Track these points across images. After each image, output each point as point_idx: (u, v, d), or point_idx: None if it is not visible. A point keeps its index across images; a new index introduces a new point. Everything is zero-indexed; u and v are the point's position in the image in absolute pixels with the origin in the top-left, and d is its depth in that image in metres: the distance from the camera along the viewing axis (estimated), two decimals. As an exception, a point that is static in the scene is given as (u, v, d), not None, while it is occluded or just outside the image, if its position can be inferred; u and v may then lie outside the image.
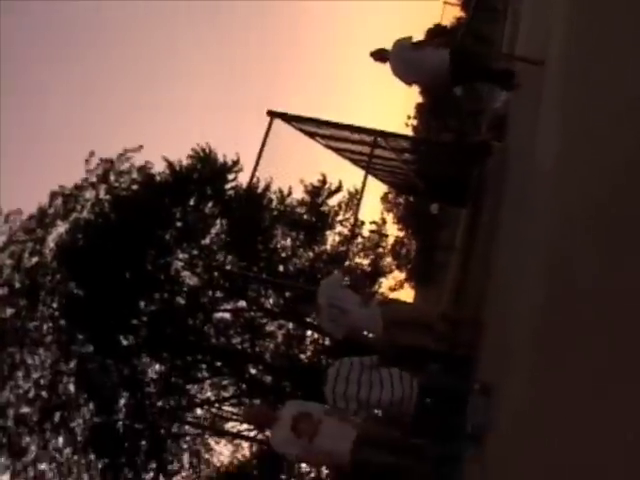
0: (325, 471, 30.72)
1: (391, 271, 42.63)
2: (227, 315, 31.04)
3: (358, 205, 26.35)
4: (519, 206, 8.50)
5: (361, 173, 19.23)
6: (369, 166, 18.57)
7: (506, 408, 6.16)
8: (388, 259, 43.38)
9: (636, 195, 3.46)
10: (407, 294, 61.03)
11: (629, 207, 3.56)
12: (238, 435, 23.64)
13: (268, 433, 11.58)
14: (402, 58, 10.21)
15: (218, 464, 30.85)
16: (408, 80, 10.51)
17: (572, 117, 6.11)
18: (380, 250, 38.42)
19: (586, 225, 4.43)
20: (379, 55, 10.40)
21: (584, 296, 4.08)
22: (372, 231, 37.81)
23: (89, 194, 28.49)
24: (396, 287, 43.16)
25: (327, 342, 24.49)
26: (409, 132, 56.25)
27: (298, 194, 34.73)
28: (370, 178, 28.27)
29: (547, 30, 9.35)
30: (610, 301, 3.52)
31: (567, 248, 4.89)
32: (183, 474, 29.52)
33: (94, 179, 28.74)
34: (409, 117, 71.76)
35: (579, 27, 6.77)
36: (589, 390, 3.43)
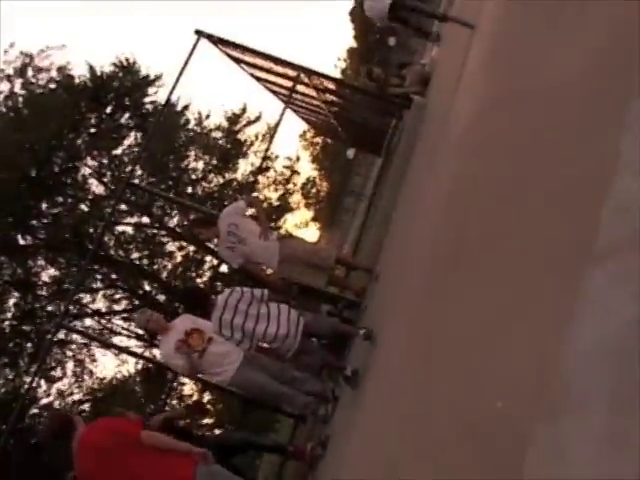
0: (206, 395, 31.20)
1: (299, 208, 42.86)
2: (129, 229, 30.84)
3: (272, 138, 26.30)
4: (427, 164, 8.65)
5: (282, 106, 19.18)
6: (289, 101, 18.52)
7: (385, 355, 6.38)
8: (297, 196, 43.60)
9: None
10: (312, 234, 61.45)
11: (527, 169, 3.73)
12: (125, 350, 23.59)
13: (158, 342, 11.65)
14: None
15: (101, 376, 30.88)
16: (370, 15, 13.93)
17: (490, 83, 6.26)
18: (290, 186, 38.55)
19: (484, 190, 4.59)
20: None
21: (468, 257, 4.26)
22: (285, 166, 37.86)
23: (3, 86, 27.76)
24: (301, 225, 43.39)
25: (225, 269, 24.55)
26: (337, 74, 56.17)
27: (217, 119, 34.50)
28: (292, 114, 28.32)
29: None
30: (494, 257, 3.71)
31: (459, 215, 5.06)
32: (65, 381, 29.42)
33: (11, 71, 27.99)
34: (339, 59, 71.65)
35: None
36: (474, 340, 3.60)
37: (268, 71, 17.36)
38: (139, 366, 29.94)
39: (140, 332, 27.24)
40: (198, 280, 31.27)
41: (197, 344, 8.44)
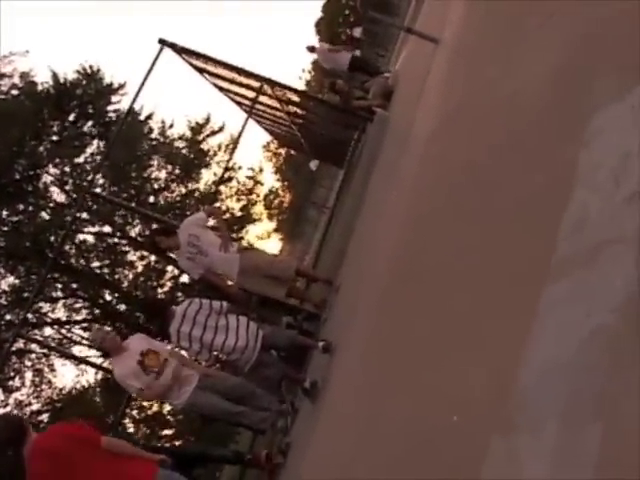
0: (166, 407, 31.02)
1: (261, 220, 42.84)
2: (90, 238, 30.63)
3: (234, 148, 26.25)
4: (388, 177, 8.68)
5: (245, 117, 19.14)
6: (252, 112, 18.49)
7: (343, 368, 6.37)
8: (260, 207, 43.58)
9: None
10: (274, 245, 61.39)
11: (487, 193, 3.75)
12: (84, 360, 23.37)
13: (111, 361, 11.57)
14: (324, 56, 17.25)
15: (61, 386, 30.57)
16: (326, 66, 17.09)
17: (450, 96, 6.30)
18: (253, 197, 38.52)
19: (443, 205, 4.60)
20: (310, 48, 17.80)
21: (425, 275, 4.27)
22: (248, 177, 37.81)
23: (-37, 91, 27.54)
24: (263, 236, 43.37)
25: (186, 279, 24.41)
26: (301, 86, 56.26)
27: (180, 128, 34.42)
28: (255, 125, 28.29)
29: (446, 13, 9.53)
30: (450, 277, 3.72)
31: (418, 230, 5.08)
32: (23, 391, 29.10)
33: (-29, 76, 27.76)
34: (303, 70, 71.80)
35: (474, 14, 6.94)
36: (427, 355, 3.60)
37: (231, 81, 17.32)
38: (99, 376, 29.68)
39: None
40: (159, 290, 31.12)
41: (154, 365, 8.40)
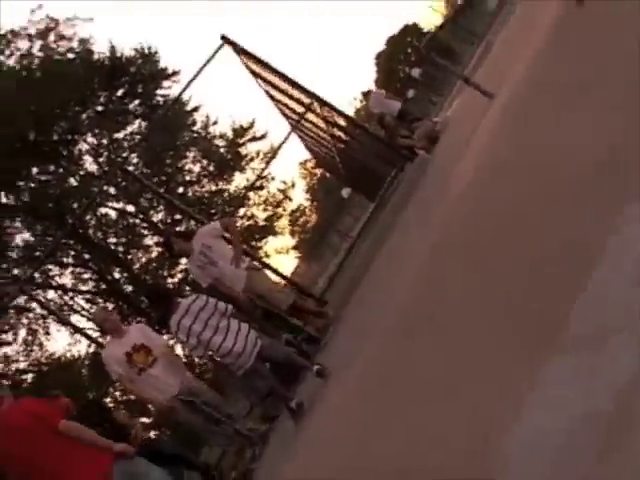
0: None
1: (283, 234, 42.78)
2: (112, 213, 30.73)
3: (272, 158, 26.30)
4: (418, 219, 8.68)
5: (288, 130, 19.22)
6: (297, 126, 18.57)
7: (333, 396, 6.36)
8: (284, 222, 43.57)
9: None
10: (290, 262, 61.28)
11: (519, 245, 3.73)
12: (80, 331, 23.38)
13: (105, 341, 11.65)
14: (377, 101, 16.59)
15: (51, 351, 30.57)
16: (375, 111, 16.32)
17: (494, 152, 6.29)
18: (280, 210, 38.47)
19: (465, 258, 4.59)
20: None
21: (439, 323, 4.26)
22: (279, 189, 37.81)
23: (22, 44, 27.67)
24: (282, 251, 43.27)
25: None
26: (350, 111, 56.32)
27: (223, 127, 34.51)
28: (297, 140, 28.37)
29: (506, 71, 9.55)
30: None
31: (436, 277, 5.07)
32: (14, 347, 29.13)
33: (33, 31, 27.92)
34: (355, 98, 72.03)
35: (532, 78, 6.94)
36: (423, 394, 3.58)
37: (283, 92, 17.38)
38: (90, 349, 29.63)
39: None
40: (168, 280, 31.11)
41: (140, 361, 8.50)
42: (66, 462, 5.75)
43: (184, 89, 14.70)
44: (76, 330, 24.19)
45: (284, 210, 39.61)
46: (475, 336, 3.35)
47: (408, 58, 73.54)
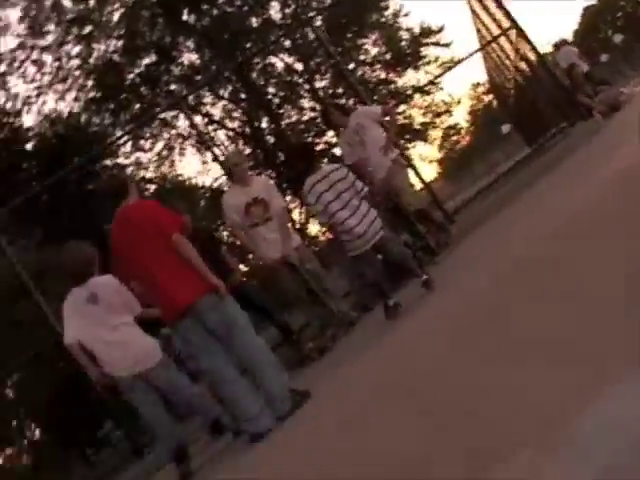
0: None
1: (432, 144, 42.24)
2: (280, 66, 30.96)
3: (449, 68, 25.89)
4: (566, 181, 8.50)
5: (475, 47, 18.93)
6: (485, 46, 18.26)
7: (431, 311, 6.44)
8: (437, 133, 43.05)
9: None
10: (429, 173, 60.76)
11: None
12: (217, 159, 23.91)
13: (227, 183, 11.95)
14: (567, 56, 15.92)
15: (179, 172, 31.48)
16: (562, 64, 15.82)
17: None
18: (437, 121, 37.86)
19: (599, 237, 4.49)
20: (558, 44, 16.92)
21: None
22: (443, 101, 37.14)
23: None
24: (425, 159, 42.83)
25: (338, 152, 24.51)
26: (543, 49, 54.59)
27: (412, 23, 34.05)
28: (479, 60, 27.91)
29: None
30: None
31: (573, 239, 4.99)
32: (147, 156, 30.07)
33: None
34: (547, 42, 69.91)
35: None
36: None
37: (485, 8, 17.06)
38: (215, 185, 30.21)
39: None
40: (316, 141, 31.33)
41: (257, 215, 8.80)
42: (166, 272, 5.97)
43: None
44: (214, 159, 24.77)
45: (441, 122, 39.01)
46: (592, 310, 3.28)
47: (615, 21, 70.80)
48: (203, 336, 5.99)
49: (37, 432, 31.59)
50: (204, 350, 6.02)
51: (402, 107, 31.42)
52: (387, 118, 10.08)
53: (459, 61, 17.89)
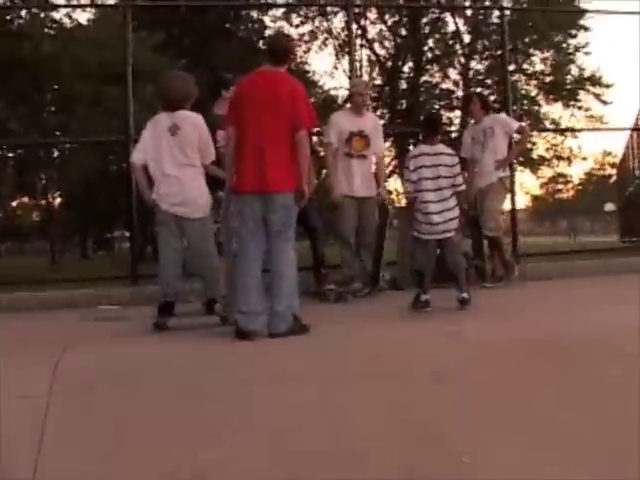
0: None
1: (537, 176, 40.61)
2: (451, 28, 30.69)
3: (593, 129, 25.30)
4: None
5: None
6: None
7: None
8: (547, 171, 41.41)
9: None
10: (521, 201, 59.68)
11: None
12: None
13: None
14: None
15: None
16: None
17: None
18: (553, 160, 36.52)
19: None
20: None
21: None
22: (570, 148, 35.87)
23: None
24: (523, 188, 41.50)
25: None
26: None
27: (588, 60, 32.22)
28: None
29: None
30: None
31: None
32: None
33: None
34: None
35: None
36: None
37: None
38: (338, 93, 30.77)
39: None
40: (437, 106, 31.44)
41: (355, 147, 8.95)
42: (271, 152, 6.06)
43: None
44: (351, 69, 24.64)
45: (557, 166, 37.51)
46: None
47: None
48: (258, 223, 6.13)
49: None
50: (247, 234, 6.15)
51: (535, 133, 30.71)
52: (517, 136, 10.02)
53: (606, 129, 17.60)
